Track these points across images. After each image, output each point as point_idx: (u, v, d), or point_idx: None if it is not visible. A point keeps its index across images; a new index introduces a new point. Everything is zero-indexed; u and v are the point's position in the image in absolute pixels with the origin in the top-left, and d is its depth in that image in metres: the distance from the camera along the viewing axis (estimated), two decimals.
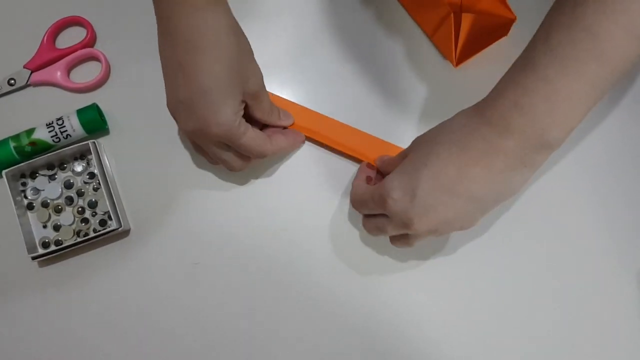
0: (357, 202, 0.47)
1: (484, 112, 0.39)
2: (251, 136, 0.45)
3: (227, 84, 0.42)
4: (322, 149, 0.52)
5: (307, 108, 0.51)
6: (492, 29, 0.50)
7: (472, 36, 0.50)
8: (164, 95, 0.52)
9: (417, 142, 0.44)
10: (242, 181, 0.51)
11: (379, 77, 0.53)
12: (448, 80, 0.52)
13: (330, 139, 0.51)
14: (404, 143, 0.47)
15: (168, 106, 0.45)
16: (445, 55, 0.52)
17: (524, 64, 0.38)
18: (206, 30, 0.40)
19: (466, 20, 0.50)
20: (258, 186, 0.51)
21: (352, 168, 0.51)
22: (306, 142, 0.52)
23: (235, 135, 0.43)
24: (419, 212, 0.40)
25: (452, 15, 0.49)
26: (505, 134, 0.38)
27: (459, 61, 0.51)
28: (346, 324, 0.49)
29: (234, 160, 0.46)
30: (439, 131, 0.42)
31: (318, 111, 0.51)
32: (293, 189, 0.51)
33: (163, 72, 0.44)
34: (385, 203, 0.41)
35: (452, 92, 0.52)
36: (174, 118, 0.45)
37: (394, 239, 0.46)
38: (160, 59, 0.43)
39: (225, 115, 0.42)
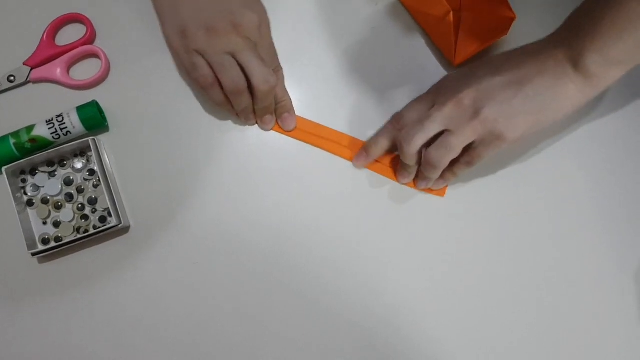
0: (398, 114, 0.49)
1: (549, 36, 0.46)
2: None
3: None
4: (324, 153, 0.52)
5: (304, 118, 0.52)
6: (492, 27, 0.50)
7: (472, 34, 0.50)
8: (163, 92, 0.53)
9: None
10: (243, 179, 0.51)
11: (377, 75, 0.53)
12: None
13: (327, 145, 0.52)
14: None
15: (174, 25, 0.46)
16: (445, 53, 0.52)
17: None
18: None
19: (466, 19, 0.50)
20: (258, 184, 0.51)
21: (351, 167, 0.52)
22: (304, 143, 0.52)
23: (267, 25, 0.46)
24: (470, 85, 0.44)
25: (451, 13, 0.49)
26: (557, 43, 0.44)
27: (459, 59, 0.51)
28: (346, 321, 0.49)
29: (238, 76, 0.46)
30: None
31: (316, 110, 0.52)
32: (292, 187, 0.51)
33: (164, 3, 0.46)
34: (442, 81, 0.47)
35: None
36: (188, 27, 0.45)
37: (455, 162, 0.46)
38: None
39: (258, 3, 0.45)
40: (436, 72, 0.52)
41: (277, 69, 0.50)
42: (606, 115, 0.52)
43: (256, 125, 0.52)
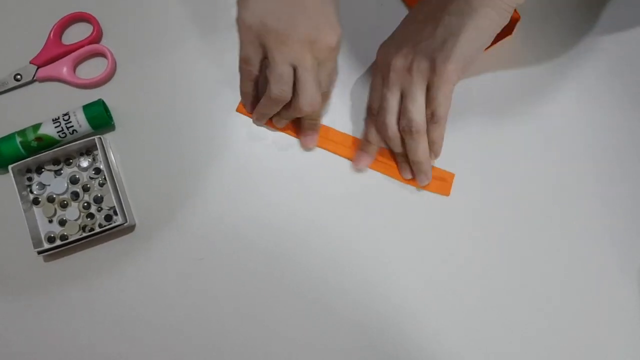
0: (367, 106, 0.51)
1: None
2: None
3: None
4: (326, 151, 0.52)
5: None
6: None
7: None
8: (169, 91, 0.53)
9: None
10: (247, 177, 0.52)
11: None
12: None
13: (329, 145, 0.52)
14: None
15: (248, 18, 0.43)
16: None
17: None
18: None
19: None
20: (262, 182, 0.52)
21: (352, 166, 0.51)
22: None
23: (338, 49, 0.45)
24: (393, 46, 0.47)
25: None
26: None
27: None
28: (347, 320, 0.49)
29: (288, 91, 0.45)
30: None
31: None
32: (296, 185, 0.51)
33: None
34: (376, 59, 0.49)
35: (458, 92, 0.52)
36: (267, 22, 0.43)
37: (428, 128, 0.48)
38: None
39: (338, 26, 0.44)
40: None
41: (325, 94, 0.49)
42: (609, 110, 0.52)
43: (255, 123, 0.53)
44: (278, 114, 0.49)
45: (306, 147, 0.52)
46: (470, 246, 0.50)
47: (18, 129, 0.51)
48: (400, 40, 0.47)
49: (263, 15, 0.43)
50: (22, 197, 0.49)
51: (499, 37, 0.50)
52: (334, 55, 0.45)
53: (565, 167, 0.51)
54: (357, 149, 0.51)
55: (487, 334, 0.49)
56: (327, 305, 0.49)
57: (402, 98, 0.47)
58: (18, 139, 0.50)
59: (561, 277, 0.49)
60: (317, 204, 0.51)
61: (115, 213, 0.50)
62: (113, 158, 0.52)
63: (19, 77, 0.53)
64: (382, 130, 0.49)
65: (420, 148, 0.48)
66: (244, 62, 0.46)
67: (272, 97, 0.46)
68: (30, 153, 0.51)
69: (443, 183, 0.51)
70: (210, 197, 0.51)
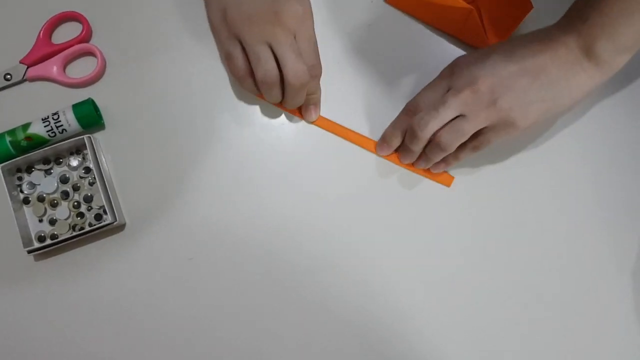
0: (411, 103, 0.50)
1: (557, 22, 0.46)
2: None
3: None
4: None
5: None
6: (514, 3, 0.50)
7: (499, 19, 0.50)
8: (159, 90, 0.53)
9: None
10: (237, 177, 0.52)
11: (376, 70, 0.53)
12: None
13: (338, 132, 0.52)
14: None
15: (217, 8, 0.45)
16: (480, 47, 0.52)
17: None
18: None
19: (485, 8, 0.50)
20: (253, 182, 0.51)
21: (350, 168, 0.52)
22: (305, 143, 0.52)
23: (310, 17, 0.45)
24: (486, 72, 0.44)
25: (474, 12, 0.49)
26: (567, 31, 0.44)
27: None
28: (341, 320, 0.49)
29: (271, 68, 0.45)
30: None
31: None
32: (288, 186, 0.51)
33: None
34: (455, 65, 0.47)
35: None
36: (229, 11, 0.45)
37: (461, 146, 0.47)
38: None
39: None
40: (434, 62, 0.52)
41: (315, 65, 0.48)
42: (609, 112, 0.52)
43: (251, 125, 0.52)
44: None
45: (308, 121, 0.52)
46: (460, 248, 0.50)
47: (8, 129, 0.51)
48: (494, 68, 0.45)
49: (223, 8, 0.44)
50: (12, 196, 0.49)
51: (522, 11, 0.49)
52: (305, 24, 0.45)
53: (559, 165, 0.51)
54: (381, 139, 0.50)
55: (484, 333, 0.49)
56: (320, 304, 0.49)
57: (462, 116, 0.45)
58: (8, 139, 0.50)
59: (557, 274, 0.50)
60: (312, 201, 0.51)
61: (105, 212, 0.50)
62: (103, 157, 0.52)
63: (8, 76, 0.53)
64: (416, 128, 0.47)
65: (440, 166, 0.49)
66: (227, 59, 0.47)
67: (261, 83, 0.46)
68: (20, 152, 0.51)
69: (444, 174, 0.51)
70: (200, 197, 0.51)
